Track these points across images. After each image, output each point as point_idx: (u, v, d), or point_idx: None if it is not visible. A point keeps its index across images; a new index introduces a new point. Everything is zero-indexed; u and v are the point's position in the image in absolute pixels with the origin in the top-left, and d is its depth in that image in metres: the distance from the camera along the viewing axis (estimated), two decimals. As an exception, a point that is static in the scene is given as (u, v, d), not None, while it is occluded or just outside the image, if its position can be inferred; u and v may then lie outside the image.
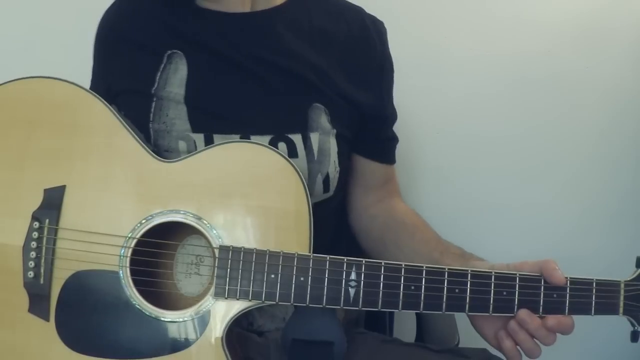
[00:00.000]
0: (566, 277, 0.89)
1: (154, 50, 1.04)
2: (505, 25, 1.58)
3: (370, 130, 1.12)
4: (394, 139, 1.18)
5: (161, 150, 1.01)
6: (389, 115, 1.16)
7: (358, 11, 1.13)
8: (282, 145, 1.01)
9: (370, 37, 1.11)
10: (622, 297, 0.90)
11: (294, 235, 0.90)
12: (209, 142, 1.00)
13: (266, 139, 1.00)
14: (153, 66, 1.03)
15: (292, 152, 1.01)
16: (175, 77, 1.02)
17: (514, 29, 1.59)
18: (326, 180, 1.05)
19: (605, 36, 1.61)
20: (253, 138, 1.00)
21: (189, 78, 1.02)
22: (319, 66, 1.05)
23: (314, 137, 1.03)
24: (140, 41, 1.05)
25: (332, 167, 1.05)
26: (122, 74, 1.06)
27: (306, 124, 1.03)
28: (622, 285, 0.90)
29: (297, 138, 1.02)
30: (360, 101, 1.07)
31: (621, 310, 0.90)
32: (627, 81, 1.64)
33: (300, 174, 0.91)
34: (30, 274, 0.90)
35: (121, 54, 1.07)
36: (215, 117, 1.01)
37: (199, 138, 1.00)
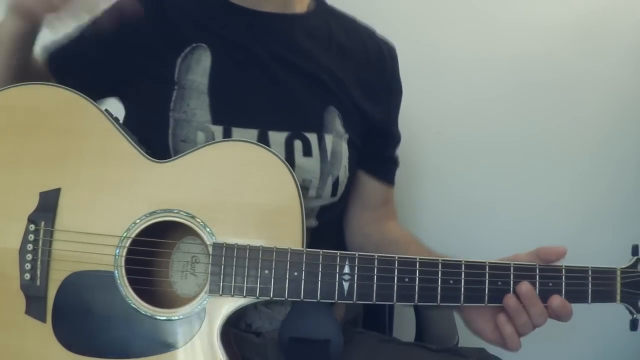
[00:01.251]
0: (561, 266, 0.89)
1: (177, 41, 1.03)
2: (506, 27, 1.60)
3: (375, 145, 1.14)
4: (395, 163, 1.20)
5: (178, 140, 1.00)
6: (394, 134, 1.18)
7: (372, 32, 1.18)
8: (298, 143, 1.02)
9: (384, 57, 1.15)
10: (618, 285, 0.89)
11: (287, 231, 0.90)
12: (227, 135, 1.01)
13: (283, 135, 1.01)
14: (174, 53, 1.03)
15: (307, 151, 1.02)
16: (198, 67, 1.03)
17: (515, 31, 1.60)
18: (335, 184, 1.06)
19: (605, 38, 1.62)
20: (271, 134, 1.01)
21: (212, 69, 1.03)
22: (335, 73, 1.07)
23: (329, 139, 1.04)
24: (165, 30, 1.05)
25: (343, 171, 1.06)
26: (143, 52, 1.04)
27: (322, 125, 1.04)
28: (619, 273, 0.90)
29: (312, 137, 1.03)
30: (371, 113, 1.10)
31: (618, 297, 0.90)
32: (627, 82, 1.64)
33: (291, 169, 0.91)
34: (27, 276, 0.90)
35: (154, 23, 1.05)
36: (236, 110, 1.02)
37: (218, 130, 1.00)
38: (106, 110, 0.97)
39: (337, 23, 1.14)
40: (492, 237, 1.60)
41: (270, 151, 0.92)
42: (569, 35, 1.61)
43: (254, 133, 1.00)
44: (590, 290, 0.89)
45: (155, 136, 0.98)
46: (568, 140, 1.65)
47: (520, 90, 1.61)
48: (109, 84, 1.06)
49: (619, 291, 0.90)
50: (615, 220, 1.68)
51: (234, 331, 0.97)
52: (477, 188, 1.63)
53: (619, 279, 0.90)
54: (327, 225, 1.09)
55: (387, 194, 1.20)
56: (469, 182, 1.62)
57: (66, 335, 0.90)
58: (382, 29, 1.18)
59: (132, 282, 0.90)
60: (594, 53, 1.62)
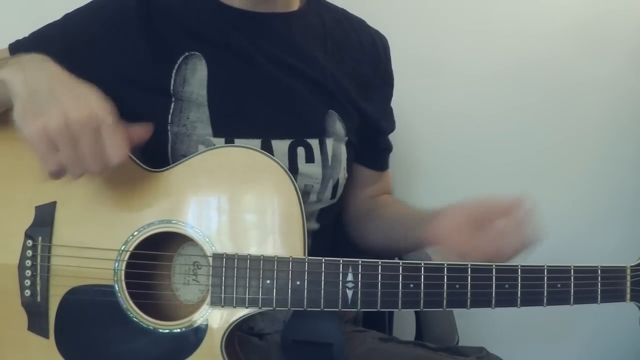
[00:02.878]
0: (570, 266, 0.87)
1: (168, 51, 0.99)
2: (506, 27, 1.56)
3: (370, 140, 1.12)
4: (388, 149, 1.19)
5: (178, 154, 0.97)
6: (387, 125, 1.16)
7: (364, 24, 1.14)
8: (300, 150, 1.00)
9: (377, 50, 1.12)
10: (628, 283, 0.88)
11: (287, 239, 0.89)
12: None
13: (286, 143, 0.99)
14: (167, 64, 0.98)
15: (310, 157, 1.01)
16: (194, 78, 0.98)
17: (515, 32, 1.57)
18: (335, 186, 1.04)
19: (605, 37, 1.59)
20: (274, 142, 0.99)
21: (209, 79, 0.99)
22: (334, 73, 1.04)
23: (329, 143, 1.03)
24: (155, 41, 0.99)
25: (342, 173, 1.05)
26: (133, 65, 0.98)
27: (323, 130, 1.03)
28: (629, 271, 0.88)
29: (314, 143, 1.01)
30: (366, 111, 1.08)
31: (628, 296, 0.88)
32: (627, 81, 1.62)
33: (291, 175, 0.89)
34: (27, 292, 0.89)
35: (143, 33, 0.98)
36: (237, 121, 0.99)
37: (220, 142, 0.98)
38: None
39: (330, 16, 1.10)
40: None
41: (270, 157, 0.90)
42: (569, 33, 1.58)
43: (257, 143, 0.97)
44: (599, 290, 0.87)
45: (153, 151, 0.95)
46: (571, 140, 1.63)
47: (521, 92, 1.59)
48: None
49: (629, 290, 0.88)
50: (621, 219, 1.67)
51: (238, 334, 0.96)
52: (477, 190, 1.59)
53: (629, 277, 0.88)
54: (327, 226, 1.08)
55: (382, 175, 1.19)
56: (469, 184, 1.60)
57: (70, 350, 0.89)
58: (382, 29, 1.15)
59: (132, 295, 0.89)
60: (593, 51, 1.59)
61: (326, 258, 0.87)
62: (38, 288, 0.89)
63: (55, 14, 1.04)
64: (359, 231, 1.15)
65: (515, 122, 1.59)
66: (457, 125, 1.57)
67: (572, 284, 0.87)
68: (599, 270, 0.87)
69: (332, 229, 1.11)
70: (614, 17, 1.57)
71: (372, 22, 1.15)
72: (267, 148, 0.97)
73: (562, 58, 1.57)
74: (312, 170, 1.01)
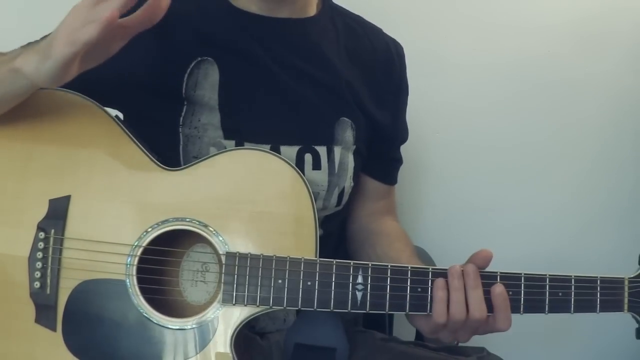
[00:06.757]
0: (571, 275, 0.90)
1: (181, 56, 1.00)
2: (506, 27, 1.59)
3: (379, 150, 1.13)
4: (398, 161, 1.20)
5: (189, 156, 0.99)
6: (399, 136, 1.17)
7: (379, 31, 1.15)
8: (308, 157, 1.02)
9: (391, 58, 1.13)
10: (626, 294, 0.91)
11: (300, 241, 0.90)
12: None
13: (294, 149, 1.01)
14: (180, 69, 1.00)
15: (317, 164, 1.02)
16: (206, 82, 1.00)
17: (514, 30, 1.59)
18: (341, 194, 1.06)
19: (604, 34, 1.62)
20: (282, 148, 1.00)
21: (221, 83, 1.00)
22: (349, 80, 1.06)
23: (337, 151, 1.04)
24: (169, 45, 1.00)
25: (348, 182, 1.07)
26: (145, 68, 0.99)
27: (332, 138, 1.04)
28: (626, 282, 0.91)
29: (322, 150, 1.03)
30: (378, 120, 1.09)
31: (626, 307, 0.91)
32: (627, 81, 1.65)
33: (304, 178, 0.91)
34: (37, 284, 0.89)
35: (158, 37, 0.97)
36: (247, 126, 1.01)
37: (230, 145, 0.99)
38: (116, 116, 0.96)
39: (344, 22, 1.11)
40: (493, 238, 1.59)
41: (284, 160, 0.92)
42: (569, 33, 1.61)
43: (266, 148, 0.99)
44: (598, 300, 0.90)
45: (166, 152, 0.96)
46: (570, 141, 1.65)
47: (521, 91, 1.61)
48: (99, 95, 0.96)
49: (626, 300, 0.91)
50: (618, 221, 1.69)
51: (244, 332, 0.97)
52: (478, 189, 1.63)
53: (626, 288, 0.91)
54: (332, 234, 1.09)
55: (388, 191, 1.20)
56: (469, 183, 1.62)
57: (77, 343, 0.89)
58: (381, 27, 1.16)
59: (143, 290, 0.90)
60: (594, 53, 1.63)
61: (337, 260, 0.89)
62: (48, 280, 0.89)
63: (54, 15, 1.05)
64: (355, 251, 1.15)
65: (513, 119, 1.61)
66: (454, 122, 1.60)
67: (573, 293, 0.90)
68: (599, 281, 0.90)
69: (336, 236, 1.12)
70: (612, 15, 1.60)
71: (372, 20, 1.16)
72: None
73: (560, 56, 1.60)
74: (318, 177, 1.02)
